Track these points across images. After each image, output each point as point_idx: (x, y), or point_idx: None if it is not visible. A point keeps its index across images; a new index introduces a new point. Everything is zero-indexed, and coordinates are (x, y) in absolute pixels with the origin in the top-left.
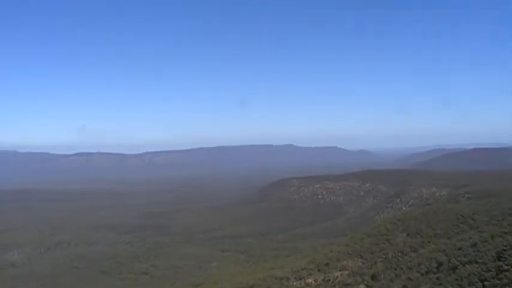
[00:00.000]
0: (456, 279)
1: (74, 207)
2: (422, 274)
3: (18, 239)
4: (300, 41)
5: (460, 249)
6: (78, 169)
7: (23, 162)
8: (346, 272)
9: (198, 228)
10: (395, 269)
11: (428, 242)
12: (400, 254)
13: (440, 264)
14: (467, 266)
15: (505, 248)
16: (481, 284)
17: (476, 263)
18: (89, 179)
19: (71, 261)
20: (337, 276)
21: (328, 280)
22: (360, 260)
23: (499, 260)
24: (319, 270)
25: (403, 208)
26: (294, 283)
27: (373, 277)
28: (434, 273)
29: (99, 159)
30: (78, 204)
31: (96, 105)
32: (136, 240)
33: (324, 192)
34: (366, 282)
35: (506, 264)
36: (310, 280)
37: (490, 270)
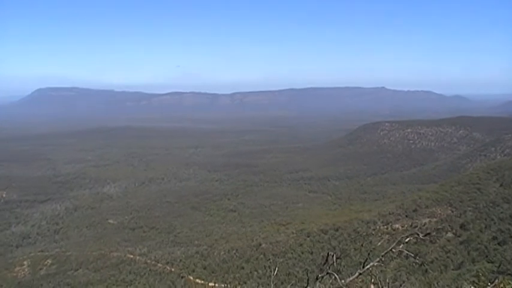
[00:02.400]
0: None
1: (166, 145)
2: None
3: (114, 174)
4: None
5: None
6: (170, 108)
7: (118, 101)
8: (435, 219)
9: (286, 169)
10: (486, 220)
11: None
12: (491, 205)
13: None
14: None
15: None
16: None
17: None
18: (180, 118)
19: (163, 195)
20: (425, 223)
21: (416, 226)
22: (449, 208)
23: None
24: (407, 216)
25: (498, 157)
26: (381, 227)
27: (462, 226)
28: None
29: (191, 99)
30: (170, 142)
31: (191, 46)
32: (225, 178)
33: (416, 137)
34: (454, 230)
35: None
36: (397, 225)
37: None
